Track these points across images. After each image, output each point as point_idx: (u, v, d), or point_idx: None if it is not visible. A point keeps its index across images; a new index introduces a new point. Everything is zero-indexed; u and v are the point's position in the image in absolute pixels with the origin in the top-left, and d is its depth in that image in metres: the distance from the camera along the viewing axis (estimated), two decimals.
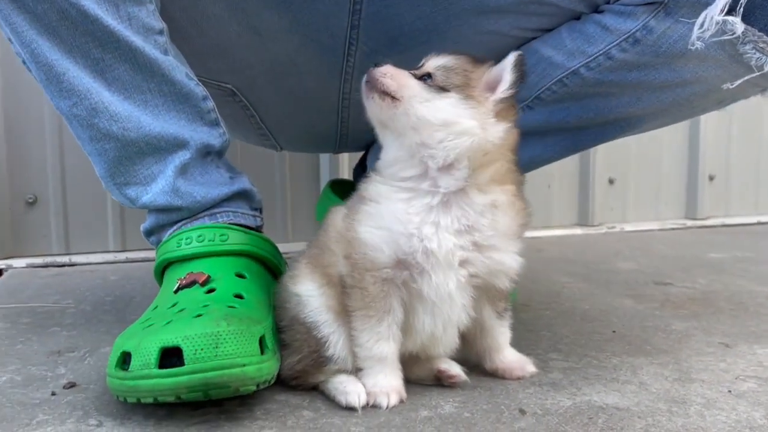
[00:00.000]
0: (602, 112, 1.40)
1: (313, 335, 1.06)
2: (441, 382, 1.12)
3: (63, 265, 2.14)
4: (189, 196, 1.26)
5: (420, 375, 1.13)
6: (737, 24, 1.10)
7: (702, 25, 1.13)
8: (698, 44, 1.14)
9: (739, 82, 1.18)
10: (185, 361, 0.92)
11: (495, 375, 1.16)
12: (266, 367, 0.98)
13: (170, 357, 0.93)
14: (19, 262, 2.11)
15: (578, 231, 2.84)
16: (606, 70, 1.34)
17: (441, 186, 1.03)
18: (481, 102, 1.06)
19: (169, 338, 0.93)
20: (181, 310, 1.04)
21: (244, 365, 0.94)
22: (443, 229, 1.02)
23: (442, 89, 1.04)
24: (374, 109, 1.07)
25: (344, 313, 1.06)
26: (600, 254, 2.36)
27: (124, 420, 0.98)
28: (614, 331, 1.44)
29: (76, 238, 2.22)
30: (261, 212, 1.43)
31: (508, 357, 1.17)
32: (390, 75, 1.06)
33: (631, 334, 1.42)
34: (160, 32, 1.24)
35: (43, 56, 1.15)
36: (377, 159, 1.11)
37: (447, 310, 1.06)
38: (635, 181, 3.04)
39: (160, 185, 1.25)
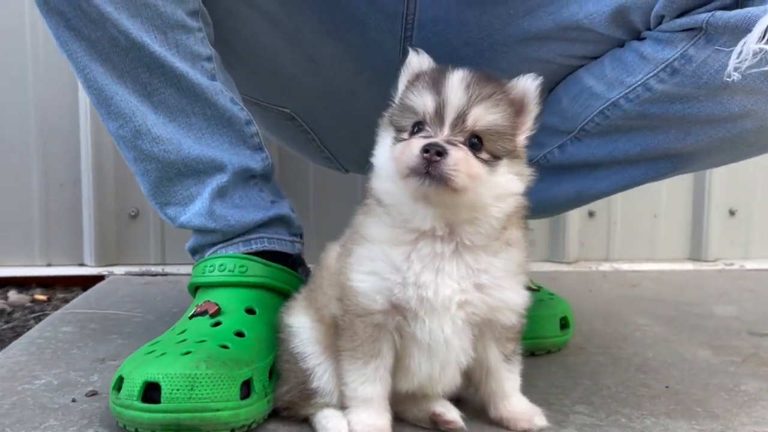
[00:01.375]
0: (649, 146, 1.28)
1: (300, 366, 1.06)
2: (437, 426, 1.07)
3: (156, 275, 2.30)
4: (223, 219, 1.31)
5: (417, 416, 1.09)
6: None
7: (740, 55, 0.99)
8: (735, 75, 1.00)
9: None
10: (162, 399, 0.95)
11: (499, 424, 1.08)
12: (245, 413, 1.00)
13: (154, 391, 0.97)
14: (119, 270, 2.30)
15: (689, 266, 2.58)
16: (646, 102, 1.23)
17: (465, 240, 0.97)
18: (520, 155, 1.00)
19: (153, 373, 0.97)
20: (183, 341, 1.09)
21: (217, 410, 0.96)
22: (446, 275, 0.97)
23: (496, 158, 0.96)
24: (428, 194, 0.92)
25: (332, 348, 1.04)
26: (700, 294, 2.12)
27: None
28: (667, 387, 1.29)
29: (171, 249, 2.38)
30: (301, 237, 1.45)
31: (515, 406, 1.08)
32: (461, 168, 0.90)
33: (686, 392, 1.26)
34: (208, 58, 1.30)
35: (94, 80, 1.25)
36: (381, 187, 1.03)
37: (443, 353, 1.01)
38: (761, 214, 2.70)
39: (197, 207, 1.31)
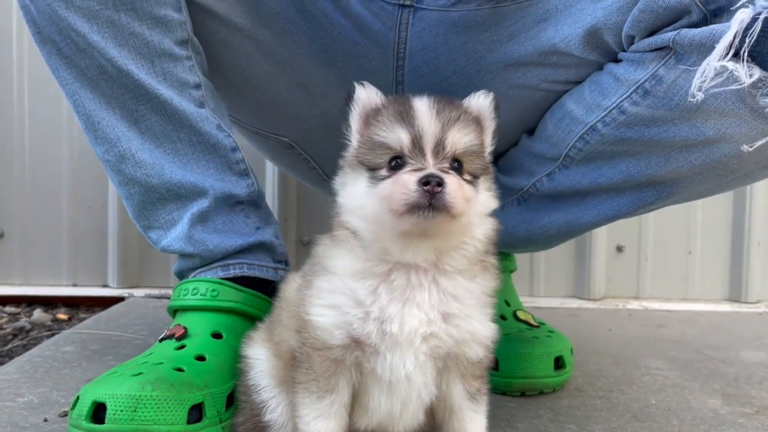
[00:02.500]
0: (632, 173, 1.24)
1: (254, 399, 1.04)
2: None
3: None
4: (201, 244, 1.31)
5: None
6: (740, 71, 0.89)
7: (703, 74, 0.93)
8: (699, 95, 0.94)
9: (762, 141, 0.96)
10: (106, 420, 0.95)
11: None
12: None
13: (103, 411, 0.97)
14: (139, 292, 2.35)
15: (726, 307, 2.43)
16: (622, 126, 1.20)
17: (447, 266, 0.94)
18: (490, 171, 1.00)
19: (101, 393, 0.98)
20: (144, 363, 1.09)
21: None
22: (415, 304, 0.93)
23: (475, 178, 0.95)
24: (428, 227, 0.89)
25: (287, 382, 1.01)
26: (730, 338, 1.99)
27: None
28: None
29: None
30: (287, 264, 1.44)
31: None
32: (458, 194, 0.88)
33: None
34: (197, 86, 1.33)
35: (83, 106, 1.29)
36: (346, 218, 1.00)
37: (405, 390, 0.97)
38: None
39: (177, 231, 1.32)
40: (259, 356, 1.06)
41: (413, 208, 0.87)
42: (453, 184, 0.88)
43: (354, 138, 0.99)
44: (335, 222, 1.01)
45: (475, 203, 0.93)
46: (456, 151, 0.93)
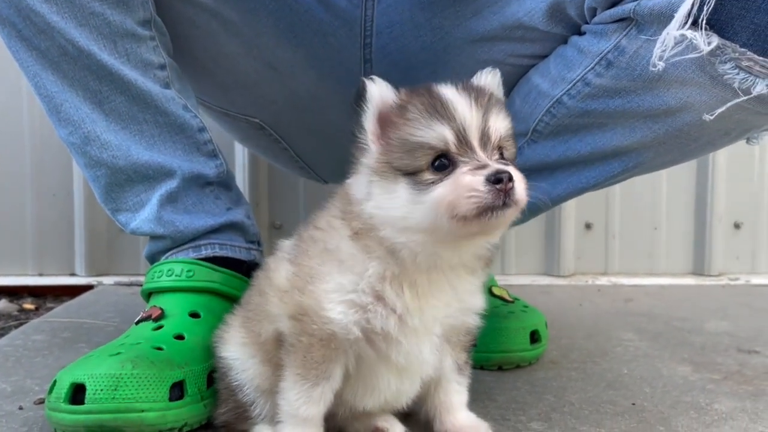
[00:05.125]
0: (599, 145, 1.27)
1: (240, 398, 1.02)
2: None
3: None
4: (171, 224, 1.30)
5: (359, 430, 1.05)
6: (699, 39, 0.92)
7: (663, 42, 0.95)
8: (660, 64, 0.96)
9: (722, 109, 0.98)
10: (86, 401, 0.94)
11: None
12: (174, 415, 0.97)
13: (82, 392, 0.95)
14: (108, 280, 2.31)
15: (690, 281, 2.50)
16: (587, 98, 1.23)
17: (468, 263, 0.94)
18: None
19: (79, 374, 0.96)
20: (122, 344, 1.07)
21: (142, 411, 0.94)
22: (431, 296, 0.93)
23: (512, 163, 0.92)
24: (495, 225, 0.86)
25: (272, 379, 0.99)
26: (696, 310, 2.05)
27: None
28: (634, 404, 1.23)
29: None
30: (260, 245, 1.43)
31: (460, 420, 1.04)
32: (522, 185, 0.86)
33: (653, 410, 1.20)
34: (161, 67, 1.30)
35: (44, 88, 1.25)
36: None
37: (416, 370, 0.98)
38: None
39: (146, 213, 1.31)
40: (239, 356, 1.03)
41: (486, 210, 0.83)
42: (517, 175, 0.84)
43: (371, 141, 0.90)
44: (357, 227, 0.92)
45: None
46: (501, 138, 0.89)
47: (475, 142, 0.86)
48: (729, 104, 1.00)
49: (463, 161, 0.85)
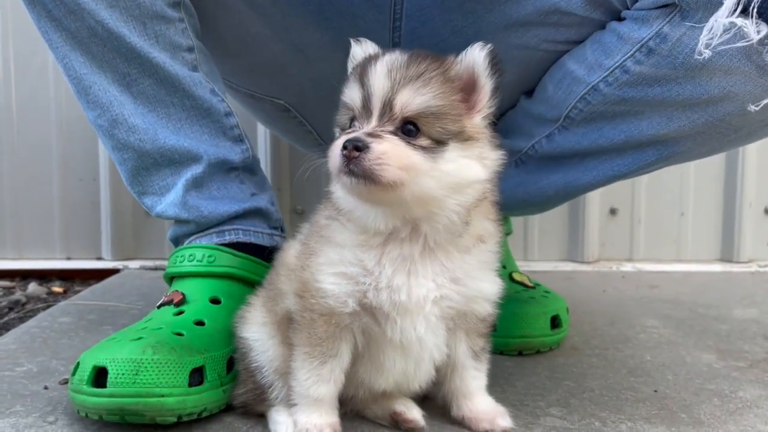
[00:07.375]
0: (634, 133, 1.23)
1: (258, 379, 1.03)
2: (397, 425, 1.03)
3: None
4: (196, 210, 1.31)
5: (377, 414, 1.06)
6: (749, 27, 0.89)
7: (711, 30, 0.92)
8: (706, 53, 0.93)
9: (767, 100, 0.95)
10: (108, 384, 0.95)
11: (461, 424, 1.04)
12: (193, 400, 0.98)
13: (104, 376, 0.97)
14: (134, 264, 2.35)
15: (717, 267, 2.45)
16: (625, 86, 1.19)
17: (430, 240, 0.93)
18: (476, 137, 0.92)
19: (102, 358, 0.98)
20: (143, 329, 1.09)
21: (162, 396, 0.95)
22: (420, 275, 0.93)
23: (439, 143, 0.88)
24: (361, 193, 0.86)
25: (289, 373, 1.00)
26: (722, 297, 2.01)
27: (74, 421, 1.04)
28: (656, 391, 1.22)
29: None
30: (283, 230, 1.44)
31: (478, 406, 1.04)
32: (389, 161, 0.83)
33: (675, 397, 1.19)
34: (190, 49, 1.30)
35: (73, 70, 1.26)
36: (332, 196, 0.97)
37: (417, 351, 0.98)
38: None
39: (171, 197, 1.32)
40: (259, 337, 1.05)
41: (338, 173, 0.86)
42: (379, 149, 0.83)
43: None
44: (326, 196, 0.99)
45: (435, 173, 0.87)
46: (407, 112, 0.87)
47: (375, 110, 0.88)
48: None
49: (355, 125, 0.90)
